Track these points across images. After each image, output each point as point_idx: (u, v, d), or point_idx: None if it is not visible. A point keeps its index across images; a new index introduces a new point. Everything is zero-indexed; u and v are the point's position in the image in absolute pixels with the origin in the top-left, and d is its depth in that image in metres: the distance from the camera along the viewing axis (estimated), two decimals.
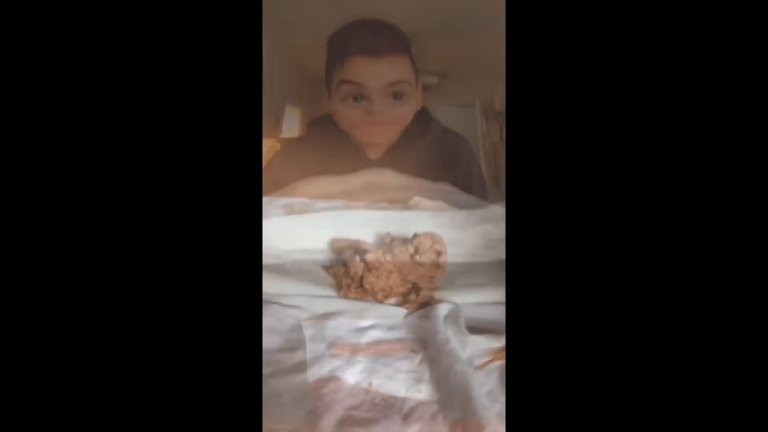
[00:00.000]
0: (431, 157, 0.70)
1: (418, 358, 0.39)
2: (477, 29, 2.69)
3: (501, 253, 0.44)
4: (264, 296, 0.39)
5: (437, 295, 0.47)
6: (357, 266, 0.45)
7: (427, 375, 0.37)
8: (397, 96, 0.59)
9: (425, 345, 0.39)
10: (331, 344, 0.39)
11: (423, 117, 0.73)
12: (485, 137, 4.35)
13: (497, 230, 0.49)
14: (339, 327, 0.41)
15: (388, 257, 0.45)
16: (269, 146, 3.34)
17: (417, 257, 0.47)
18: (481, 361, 0.39)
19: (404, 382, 0.36)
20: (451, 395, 0.33)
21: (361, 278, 0.45)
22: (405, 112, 0.62)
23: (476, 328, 0.42)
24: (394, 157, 0.67)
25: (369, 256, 0.45)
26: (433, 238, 0.49)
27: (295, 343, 0.38)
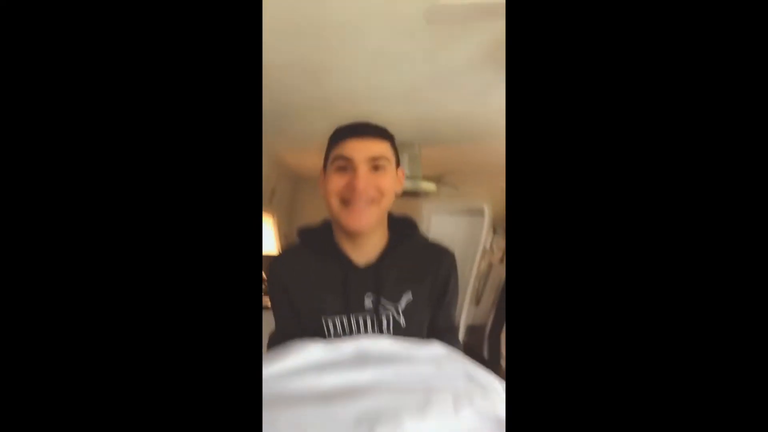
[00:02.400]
0: (412, 268, 0.76)
1: None
2: (479, 136, 2.56)
3: None
4: None
5: None
6: None
7: None
8: (377, 168, 0.70)
9: None
10: None
11: (408, 227, 0.80)
12: (485, 254, 3.94)
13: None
14: None
15: None
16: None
17: None
18: None
19: None
20: None
21: None
22: (383, 183, 0.70)
23: None
24: (378, 267, 0.74)
25: None
26: None
27: None
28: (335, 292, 0.72)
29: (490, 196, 3.89)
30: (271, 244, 2.86)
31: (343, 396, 0.41)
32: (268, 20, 1.15)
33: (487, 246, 3.86)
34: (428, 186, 2.81)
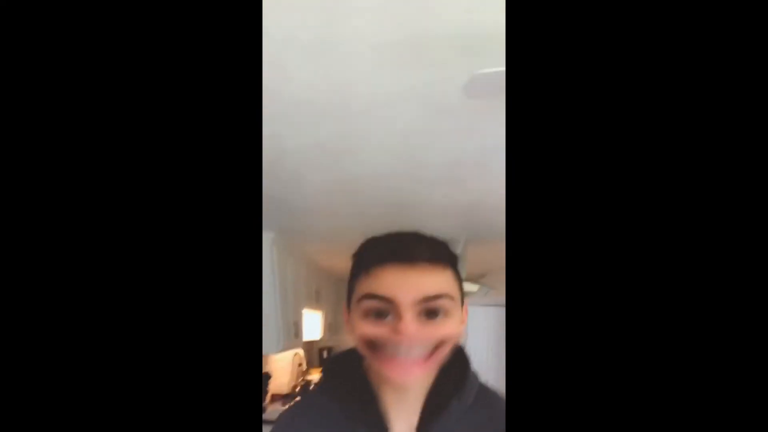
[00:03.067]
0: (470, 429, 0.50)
1: None
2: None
3: None
4: None
5: None
6: None
7: None
8: (433, 314, 0.44)
9: None
10: None
11: (461, 366, 0.53)
12: None
13: None
14: None
15: None
16: (293, 354, 3.10)
17: None
18: None
19: None
20: None
21: None
22: (444, 333, 0.45)
23: None
24: None
25: None
26: None
27: None
28: None
29: None
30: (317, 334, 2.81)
31: None
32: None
33: None
34: (470, 287, 2.72)
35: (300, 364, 3.02)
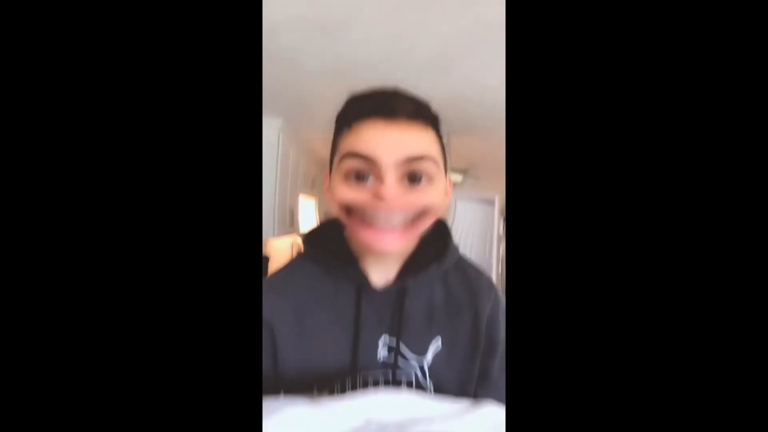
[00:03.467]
0: (448, 294, 0.53)
1: None
2: (501, 127, 2.65)
3: None
4: None
5: None
6: None
7: None
8: (416, 178, 0.43)
9: None
10: None
11: (440, 233, 0.55)
12: (500, 240, 4.12)
13: None
14: None
15: None
16: (290, 242, 3.26)
17: None
18: None
19: None
20: None
21: None
22: (426, 201, 0.44)
23: None
24: (401, 291, 0.51)
25: None
26: None
27: None
28: (339, 331, 0.49)
29: (500, 187, 4.06)
30: (313, 223, 3.00)
31: None
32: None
33: (500, 232, 4.05)
34: (455, 178, 2.85)
35: (298, 252, 3.27)
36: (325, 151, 0.52)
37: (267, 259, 2.68)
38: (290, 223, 2.61)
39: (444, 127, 0.47)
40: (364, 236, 0.43)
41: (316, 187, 3.27)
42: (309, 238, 0.56)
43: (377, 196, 0.41)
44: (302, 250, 0.56)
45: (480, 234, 3.93)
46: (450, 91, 1.82)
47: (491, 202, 4.11)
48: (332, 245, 0.52)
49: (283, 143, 2.27)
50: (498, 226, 4.03)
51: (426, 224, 0.45)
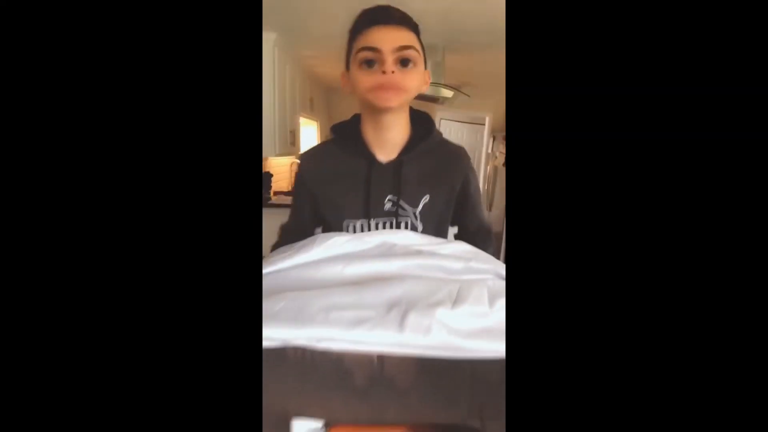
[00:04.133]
0: (433, 163, 0.76)
1: None
2: (499, 45, 2.65)
3: None
4: None
5: None
6: None
7: None
8: (405, 62, 0.66)
9: None
10: None
11: (427, 123, 0.79)
12: (489, 158, 4.27)
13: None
14: None
15: None
16: (290, 162, 3.34)
17: None
18: None
19: None
20: None
21: None
22: (412, 79, 0.68)
23: None
24: (399, 164, 0.74)
25: None
26: None
27: None
28: (357, 191, 0.72)
29: (492, 106, 4.11)
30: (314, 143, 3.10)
31: (371, 283, 0.40)
32: None
33: (489, 150, 4.19)
34: (447, 92, 2.89)
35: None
36: (321, 70, 0.79)
37: (270, 175, 2.84)
38: (291, 143, 2.71)
39: (440, 70, 0.69)
40: (373, 98, 0.66)
41: (315, 109, 3.31)
42: (334, 129, 0.79)
43: (383, 72, 0.65)
44: (330, 137, 0.79)
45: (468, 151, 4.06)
46: (444, 5, 1.85)
47: (482, 121, 4.18)
48: (351, 134, 0.76)
49: (278, 59, 2.28)
50: (487, 145, 4.16)
51: (410, 93, 0.68)
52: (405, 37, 0.66)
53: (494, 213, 3.84)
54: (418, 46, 0.68)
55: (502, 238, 3.09)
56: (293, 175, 3.49)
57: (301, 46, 2.51)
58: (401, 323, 0.33)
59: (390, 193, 0.72)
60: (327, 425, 0.54)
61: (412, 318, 0.33)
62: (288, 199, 2.81)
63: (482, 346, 0.32)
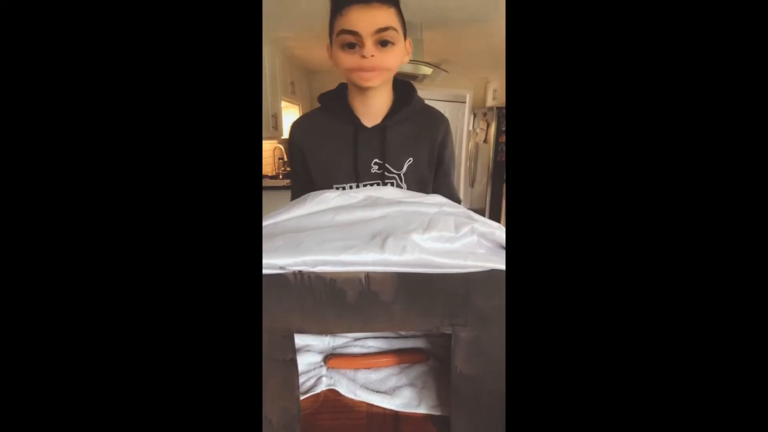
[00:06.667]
0: (415, 128, 0.80)
1: None
2: (478, 21, 2.66)
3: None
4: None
5: None
6: None
7: None
8: (385, 43, 0.68)
9: None
10: None
11: (409, 90, 0.82)
12: (470, 135, 4.33)
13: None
14: None
15: None
16: (273, 147, 3.32)
17: None
18: None
19: None
20: None
21: None
22: (391, 58, 0.70)
23: None
24: (384, 128, 0.78)
25: None
26: None
27: None
28: (346, 155, 0.77)
29: (473, 84, 4.15)
30: None
31: (358, 223, 0.46)
32: None
33: (470, 128, 4.25)
34: (426, 69, 2.91)
35: (280, 158, 3.42)
36: (300, 52, 0.83)
37: None
38: (273, 126, 2.71)
39: (420, 47, 0.74)
40: (356, 78, 0.70)
41: (296, 93, 3.29)
42: (322, 98, 0.83)
43: (363, 55, 0.67)
44: (319, 106, 0.83)
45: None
46: None
47: (463, 99, 4.22)
48: (338, 102, 0.81)
49: None
50: (468, 122, 4.21)
51: (391, 71, 0.72)
52: (384, 17, 0.66)
53: (476, 189, 3.90)
54: (397, 23, 0.69)
55: (484, 215, 3.16)
56: (276, 160, 3.50)
57: (279, 28, 2.50)
58: (382, 246, 0.39)
59: (376, 157, 0.77)
60: (326, 359, 0.61)
61: (391, 241, 0.39)
62: (273, 182, 2.85)
63: (450, 262, 0.38)
